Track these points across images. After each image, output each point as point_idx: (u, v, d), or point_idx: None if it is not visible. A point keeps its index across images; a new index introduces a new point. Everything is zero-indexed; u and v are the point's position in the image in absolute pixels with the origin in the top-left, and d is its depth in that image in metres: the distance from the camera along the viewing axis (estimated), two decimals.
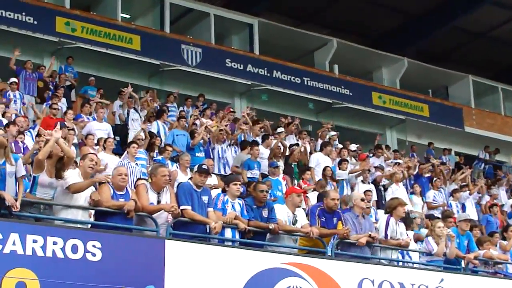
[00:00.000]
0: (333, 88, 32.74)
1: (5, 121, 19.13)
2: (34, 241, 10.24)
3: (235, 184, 13.60)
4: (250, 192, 14.36)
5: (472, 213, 22.45)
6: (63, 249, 10.42)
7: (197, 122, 24.11)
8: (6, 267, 10.09)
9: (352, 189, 21.60)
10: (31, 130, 19.10)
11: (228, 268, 11.89)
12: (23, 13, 27.02)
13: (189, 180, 13.56)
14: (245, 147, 21.69)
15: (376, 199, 20.63)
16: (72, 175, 11.71)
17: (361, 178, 22.07)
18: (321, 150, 23.54)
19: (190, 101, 27.18)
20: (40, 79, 24.57)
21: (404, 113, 34.30)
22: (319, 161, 22.14)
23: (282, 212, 13.70)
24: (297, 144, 24.08)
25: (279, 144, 22.88)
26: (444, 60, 38.16)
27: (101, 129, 20.85)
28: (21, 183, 11.51)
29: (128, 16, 31.99)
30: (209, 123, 22.94)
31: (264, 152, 21.75)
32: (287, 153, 22.97)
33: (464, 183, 25.47)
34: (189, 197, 12.57)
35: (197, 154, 20.31)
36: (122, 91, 24.50)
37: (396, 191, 21.34)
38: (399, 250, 15.03)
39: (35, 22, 27.11)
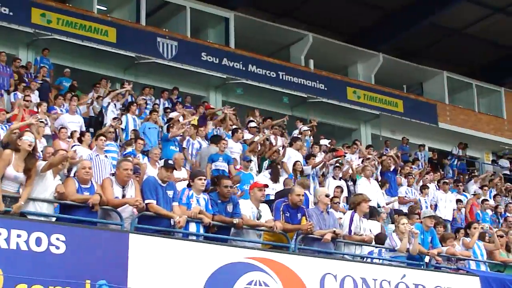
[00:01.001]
0: (308, 83, 32.94)
1: None
2: (10, 236, 10.32)
3: (200, 179, 13.71)
4: (215, 187, 14.58)
5: (446, 210, 22.96)
6: (26, 242, 10.55)
7: (172, 115, 24.11)
8: None
9: (320, 184, 21.84)
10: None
11: (191, 262, 12.05)
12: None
13: (155, 175, 14.06)
14: (214, 142, 21.72)
15: (347, 195, 20.96)
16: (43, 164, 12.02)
17: (332, 174, 22.36)
18: (290, 145, 23.57)
19: (166, 94, 27.34)
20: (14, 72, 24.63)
21: (379, 108, 34.56)
22: (289, 156, 22.27)
23: (246, 207, 13.95)
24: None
25: (263, 140, 23.27)
26: (419, 56, 38.34)
27: (74, 121, 20.91)
28: None
29: (105, 8, 31.86)
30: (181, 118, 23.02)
31: (233, 146, 21.98)
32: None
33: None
34: (154, 192, 12.76)
35: (170, 147, 20.48)
36: (123, 86, 24.94)
37: (367, 187, 21.32)
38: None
39: (11, 14, 26.91)
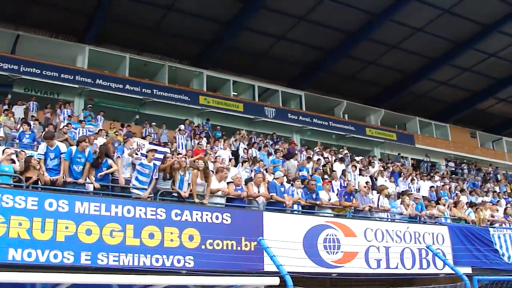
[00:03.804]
0: (345, 127, 35.38)
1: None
2: (198, 215, 11.86)
3: (298, 181, 15.34)
4: (306, 185, 15.48)
5: (425, 191, 23.80)
6: (211, 218, 11.95)
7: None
8: (184, 227, 11.58)
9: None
10: None
11: (296, 224, 13.22)
12: (183, 94, 30.32)
13: (274, 180, 14.86)
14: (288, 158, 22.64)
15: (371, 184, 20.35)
16: None
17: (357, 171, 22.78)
18: (340, 161, 24.67)
19: (269, 136, 29.15)
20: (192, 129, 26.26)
21: (383, 139, 36.44)
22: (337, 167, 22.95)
23: (324, 194, 15.55)
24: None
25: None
26: (403, 109, 39.62)
27: (225, 154, 21.85)
28: None
29: (236, 93, 33.83)
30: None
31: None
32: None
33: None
34: (274, 189, 14.23)
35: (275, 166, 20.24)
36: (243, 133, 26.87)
37: (383, 181, 22.63)
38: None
39: (189, 99, 30.20)
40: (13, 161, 12.19)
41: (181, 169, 12.88)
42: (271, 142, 27.88)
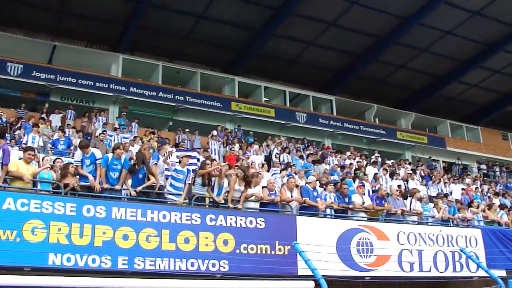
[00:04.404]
0: (376, 131, 35.11)
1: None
2: (232, 219, 11.91)
3: (331, 186, 15.45)
4: (338, 189, 15.59)
5: (457, 194, 23.47)
6: (245, 222, 12.02)
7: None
8: (219, 231, 11.60)
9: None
10: None
11: (329, 228, 13.22)
12: (215, 101, 30.45)
13: (307, 185, 15.05)
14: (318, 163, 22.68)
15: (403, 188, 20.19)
16: None
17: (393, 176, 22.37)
18: (372, 163, 24.92)
19: (300, 141, 29.14)
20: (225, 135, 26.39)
21: (414, 142, 36.11)
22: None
23: (357, 198, 15.43)
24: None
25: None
26: (434, 112, 38.98)
27: (258, 158, 22.00)
28: None
29: (267, 99, 33.84)
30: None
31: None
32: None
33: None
34: (307, 193, 14.34)
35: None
36: (279, 139, 27.13)
37: (415, 184, 22.40)
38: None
39: (221, 106, 30.32)
40: (51, 168, 12.43)
41: (221, 176, 12.98)
42: (302, 147, 27.82)
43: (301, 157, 24.19)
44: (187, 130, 26.16)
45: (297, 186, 14.85)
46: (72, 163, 12.15)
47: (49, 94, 27.24)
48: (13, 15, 28.15)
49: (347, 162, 24.83)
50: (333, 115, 34.57)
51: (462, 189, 24.37)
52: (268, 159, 23.29)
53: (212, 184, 13.04)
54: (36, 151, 14.20)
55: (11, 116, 23.09)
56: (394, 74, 35.92)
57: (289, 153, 24.39)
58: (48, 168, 11.89)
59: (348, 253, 12.96)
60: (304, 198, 14.10)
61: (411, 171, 25.17)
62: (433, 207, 17.00)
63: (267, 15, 29.89)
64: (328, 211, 14.47)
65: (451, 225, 16.45)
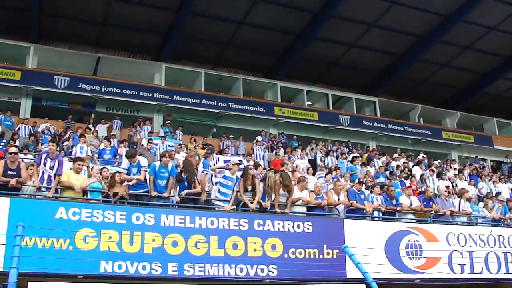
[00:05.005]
0: (420, 131, 34.62)
1: None
2: (280, 224, 11.95)
3: (377, 188, 15.15)
4: (385, 191, 15.37)
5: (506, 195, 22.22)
6: (293, 227, 12.05)
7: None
8: (267, 236, 11.64)
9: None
10: None
11: (377, 230, 13.19)
12: (258, 106, 30.56)
13: (353, 187, 14.83)
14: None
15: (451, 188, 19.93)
16: None
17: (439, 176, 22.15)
18: (417, 164, 24.59)
19: (344, 144, 28.97)
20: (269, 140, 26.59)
21: (460, 141, 35.50)
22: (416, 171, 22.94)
23: (404, 199, 15.25)
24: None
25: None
26: (479, 110, 38.30)
27: (303, 163, 21.92)
28: None
29: (310, 103, 33.53)
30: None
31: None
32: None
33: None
34: (354, 196, 14.24)
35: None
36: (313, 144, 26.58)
37: (463, 184, 22.32)
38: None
39: (264, 111, 30.40)
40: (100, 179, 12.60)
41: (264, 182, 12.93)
42: (346, 150, 27.63)
43: (346, 160, 24.06)
44: (231, 136, 26.25)
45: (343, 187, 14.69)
46: (117, 172, 12.43)
47: (95, 105, 27.87)
48: (58, 29, 28.98)
49: (393, 163, 24.72)
50: (377, 116, 34.32)
51: (511, 188, 23.89)
52: (312, 163, 23.20)
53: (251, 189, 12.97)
54: (86, 161, 14.54)
55: (59, 127, 23.69)
56: (437, 73, 35.49)
57: (337, 157, 24.40)
58: (97, 179, 12.12)
59: (397, 256, 12.85)
60: (351, 201, 14.07)
61: (458, 171, 24.87)
62: (483, 207, 16.77)
63: (307, 18, 29.90)
64: (375, 213, 14.41)
65: (502, 225, 16.07)
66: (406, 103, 36.13)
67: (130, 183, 11.96)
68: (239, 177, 12.85)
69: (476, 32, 32.00)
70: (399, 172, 22.62)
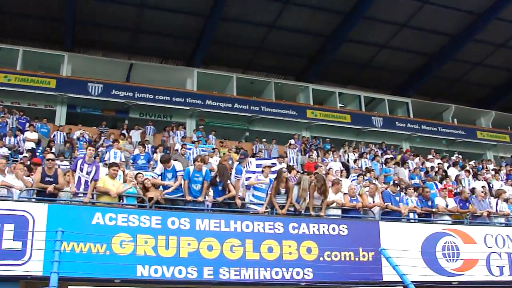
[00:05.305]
0: (455, 131, 34.33)
1: None
2: (315, 227, 11.93)
3: (410, 190, 15.05)
4: (420, 193, 15.25)
5: None
6: (328, 230, 12.07)
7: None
8: (302, 239, 11.62)
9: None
10: None
11: (412, 234, 12.98)
12: (290, 109, 30.62)
13: (388, 189, 14.57)
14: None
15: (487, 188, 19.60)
16: None
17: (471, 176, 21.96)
18: (453, 165, 24.26)
19: (377, 146, 28.63)
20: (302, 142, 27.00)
21: (496, 141, 35.18)
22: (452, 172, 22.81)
23: (440, 201, 14.96)
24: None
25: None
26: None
27: (336, 165, 21.57)
28: None
29: (342, 105, 33.30)
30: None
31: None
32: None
33: None
34: (388, 199, 14.02)
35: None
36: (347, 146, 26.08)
37: (499, 184, 21.91)
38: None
39: (297, 114, 30.49)
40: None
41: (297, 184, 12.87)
42: (380, 152, 27.51)
43: (379, 162, 24.06)
44: (263, 140, 26.26)
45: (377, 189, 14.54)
46: (148, 177, 12.60)
47: (128, 111, 28.32)
48: (91, 37, 29.51)
49: (428, 164, 24.58)
50: (410, 117, 34.06)
51: None
52: (345, 165, 22.91)
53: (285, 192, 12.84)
54: (122, 166, 14.74)
55: (93, 134, 24.11)
56: (471, 72, 35.12)
57: (372, 160, 24.27)
58: (133, 184, 12.18)
59: (434, 258, 12.71)
60: (386, 203, 13.93)
61: (493, 172, 24.51)
62: None
63: (338, 20, 29.89)
64: (411, 215, 14.27)
65: None
66: (439, 103, 35.78)
67: (170, 190, 12.08)
68: (273, 180, 12.84)
69: (510, 30, 31.55)
70: (434, 173, 22.43)
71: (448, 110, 35.85)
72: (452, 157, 28.26)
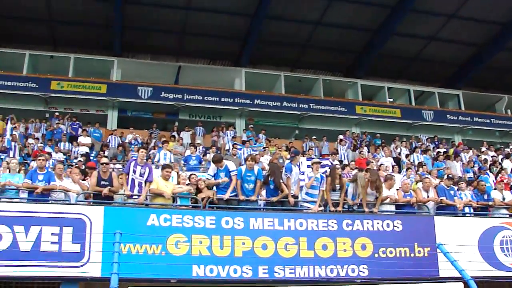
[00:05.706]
0: (507, 123, 33.72)
1: None
2: (369, 223, 11.67)
3: (448, 181, 14.39)
4: (476, 186, 14.99)
5: None
6: (382, 226, 11.78)
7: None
8: (356, 236, 11.42)
9: None
10: None
11: (469, 228, 12.54)
12: (339, 106, 30.46)
13: (442, 183, 14.37)
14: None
15: None
16: None
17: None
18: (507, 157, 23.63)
19: (429, 139, 28.28)
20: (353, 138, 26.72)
21: None
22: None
23: (497, 194, 14.67)
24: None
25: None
26: None
27: (388, 161, 21.43)
28: None
29: (392, 99, 33.49)
30: None
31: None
32: None
33: None
34: (443, 193, 13.74)
35: None
36: (399, 143, 25.53)
37: None
38: None
39: (344, 110, 30.36)
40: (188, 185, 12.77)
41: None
42: (432, 146, 27.19)
43: (431, 156, 23.75)
44: (314, 137, 26.16)
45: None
46: (201, 178, 12.68)
47: (178, 113, 28.86)
48: (139, 41, 30.08)
49: (482, 157, 24.31)
50: (461, 110, 33.70)
51: None
52: (397, 160, 22.73)
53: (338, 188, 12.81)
54: (176, 167, 14.92)
55: (144, 136, 24.60)
56: None
57: (423, 153, 23.95)
58: (190, 187, 12.34)
59: (492, 253, 12.31)
60: (440, 198, 13.59)
61: None
62: None
63: (384, 14, 29.72)
64: (466, 209, 13.88)
65: None
66: (491, 94, 35.43)
67: (228, 193, 12.11)
68: (323, 175, 12.78)
69: None
70: (488, 166, 22.11)
71: (501, 101, 35.21)
72: (506, 149, 27.34)
